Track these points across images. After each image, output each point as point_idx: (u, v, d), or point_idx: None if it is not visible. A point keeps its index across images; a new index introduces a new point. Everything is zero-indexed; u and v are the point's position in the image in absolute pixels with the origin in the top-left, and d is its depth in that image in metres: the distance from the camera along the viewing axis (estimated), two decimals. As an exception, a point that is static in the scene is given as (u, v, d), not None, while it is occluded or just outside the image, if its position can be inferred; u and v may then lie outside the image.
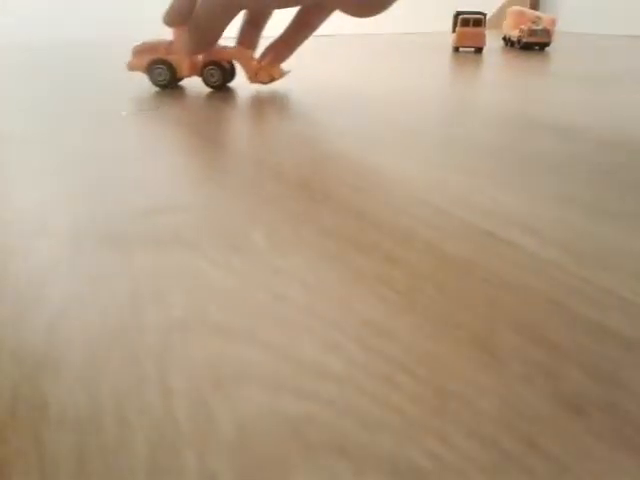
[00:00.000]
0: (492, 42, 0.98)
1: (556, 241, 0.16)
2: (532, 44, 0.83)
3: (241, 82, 0.46)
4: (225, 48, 0.43)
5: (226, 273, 0.15)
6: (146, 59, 0.44)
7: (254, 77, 0.43)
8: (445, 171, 0.23)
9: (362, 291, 0.14)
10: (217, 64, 0.43)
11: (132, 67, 0.45)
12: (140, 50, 0.44)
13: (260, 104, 0.39)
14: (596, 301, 0.13)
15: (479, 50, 0.81)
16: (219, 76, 0.44)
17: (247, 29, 0.43)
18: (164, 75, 0.44)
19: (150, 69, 0.44)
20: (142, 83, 0.48)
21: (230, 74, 0.45)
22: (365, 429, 0.09)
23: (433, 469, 0.08)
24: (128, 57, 0.45)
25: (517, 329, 0.12)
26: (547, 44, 0.82)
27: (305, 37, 0.43)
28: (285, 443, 0.09)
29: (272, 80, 0.44)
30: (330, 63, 0.60)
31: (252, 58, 0.43)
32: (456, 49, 0.83)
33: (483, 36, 0.80)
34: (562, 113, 0.36)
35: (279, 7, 0.39)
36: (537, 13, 0.88)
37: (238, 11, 0.39)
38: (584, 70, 0.59)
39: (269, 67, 0.43)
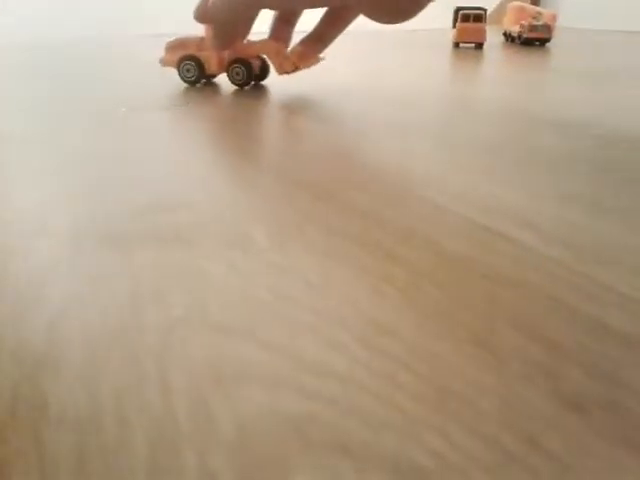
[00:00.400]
0: (493, 38, 0.98)
1: (555, 237, 0.16)
2: (533, 40, 0.82)
3: (274, 80, 0.45)
4: (253, 43, 0.42)
5: (228, 272, 0.15)
6: (177, 55, 0.43)
7: (279, 68, 0.42)
8: (445, 168, 0.23)
9: (364, 289, 0.14)
10: (243, 61, 0.42)
11: (165, 63, 0.44)
12: (173, 46, 0.44)
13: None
14: (596, 297, 0.13)
15: (479, 46, 0.81)
16: (244, 74, 0.43)
17: (278, 24, 0.42)
18: (192, 71, 0.44)
19: (180, 65, 0.44)
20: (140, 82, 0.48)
21: (261, 72, 0.44)
22: (367, 428, 0.09)
23: (435, 468, 0.08)
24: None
25: (517, 327, 0.12)
26: (548, 40, 0.82)
27: (338, 32, 0.42)
28: (286, 442, 0.09)
29: (296, 69, 0.42)
30: (330, 60, 0.60)
31: (279, 51, 0.41)
32: (456, 45, 0.82)
33: (483, 32, 0.79)
34: (562, 109, 0.36)
35: (305, 7, 0.38)
36: (538, 9, 0.88)
37: (260, 9, 0.38)
38: (584, 66, 0.58)
39: (294, 57, 0.41)
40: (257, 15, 0.40)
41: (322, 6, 0.38)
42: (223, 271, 0.15)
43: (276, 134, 0.30)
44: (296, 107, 0.37)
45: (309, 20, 0.43)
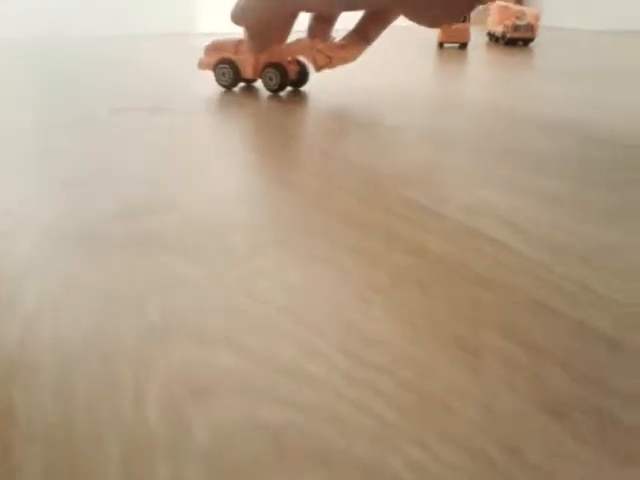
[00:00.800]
0: (477, 38, 0.98)
1: (541, 239, 0.16)
2: (516, 39, 0.83)
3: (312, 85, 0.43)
4: (287, 46, 0.39)
5: (209, 277, 0.14)
6: (214, 58, 0.42)
7: (314, 64, 0.39)
8: (429, 168, 0.23)
9: (347, 295, 0.13)
10: (277, 65, 0.40)
11: (202, 66, 0.43)
12: (211, 49, 0.42)
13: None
14: (581, 301, 0.13)
15: (464, 45, 0.81)
16: (277, 79, 0.40)
17: (315, 22, 0.40)
18: (227, 75, 0.42)
19: (216, 69, 0.42)
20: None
21: (299, 77, 0.42)
22: (346, 437, 0.09)
23: (415, 479, 0.08)
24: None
25: (501, 331, 0.12)
26: (531, 39, 0.83)
27: (381, 29, 0.40)
28: (263, 452, 0.09)
29: (330, 62, 0.38)
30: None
31: (312, 46, 0.38)
32: (440, 45, 0.83)
33: (467, 31, 0.79)
34: (546, 109, 0.36)
35: (343, 11, 0.36)
36: (521, 8, 0.88)
37: (296, 11, 0.36)
38: (567, 66, 0.59)
39: (328, 50, 0.38)
40: (295, 17, 0.38)
41: (361, 9, 0.36)
42: (204, 277, 0.14)
43: (264, 133, 0.29)
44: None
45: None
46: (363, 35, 0.39)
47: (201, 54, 0.43)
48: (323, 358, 0.11)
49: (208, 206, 0.19)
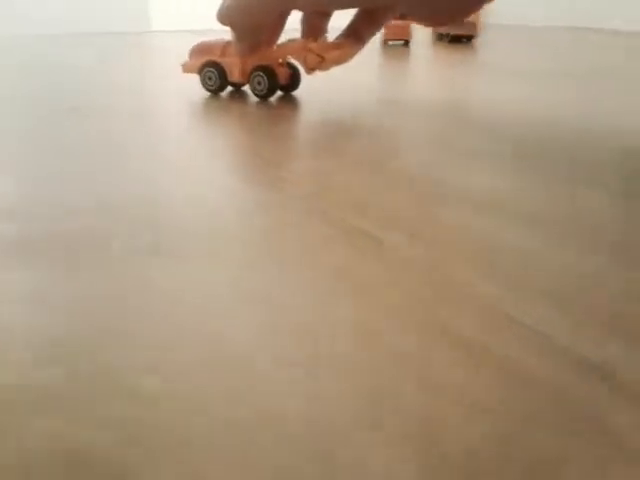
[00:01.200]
0: (424, 35, 0.99)
1: (451, 249, 0.16)
2: (459, 37, 0.83)
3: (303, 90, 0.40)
4: (280, 47, 0.37)
5: (89, 281, 0.14)
6: (200, 61, 0.39)
7: (305, 64, 0.36)
8: (347, 172, 0.23)
9: (218, 305, 0.13)
10: (266, 69, 0.37)
11: (186, 69, 0.40)
12: (197, 51, 0.39)
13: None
14: (452, 298, 0.13)
15: (406, 43, 0.82)
16: (266, 83, 0.37)
17: (309, 19, 0.37)
18: (214, 79, 0.39)
19: (201, 72, 0.39)
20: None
21: (291, 81, 0.40)
22: (149, 457, 0.08)
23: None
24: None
25: (358, 333, 0.11)
26: (473, 36, 0.83)
27: (376, 29, 0.37)
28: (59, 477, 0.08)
29: (322, 62, 0.36)
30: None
31: (303, 46, 0.36)
32: (385, 42, 0.83)
33: (409, 29, 0.80)
34: (483, 107, 0.36)
35: (339, 9, 0.33)
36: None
37: (288, 10, 0.34)
38: (508, 63, 0.59)
39: (319, 49, 0.35)
40: (286, 17, 0.36)
41: (359, 6, 0.34)
42: (78, 282, 0.14)
43: (204, 139, 0.29)
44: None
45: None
46: (357, 35, 0.37)
47: (187, 57, 0.40)
48: (165, 375, 0.10)
49: (141, 209, 0.18)
